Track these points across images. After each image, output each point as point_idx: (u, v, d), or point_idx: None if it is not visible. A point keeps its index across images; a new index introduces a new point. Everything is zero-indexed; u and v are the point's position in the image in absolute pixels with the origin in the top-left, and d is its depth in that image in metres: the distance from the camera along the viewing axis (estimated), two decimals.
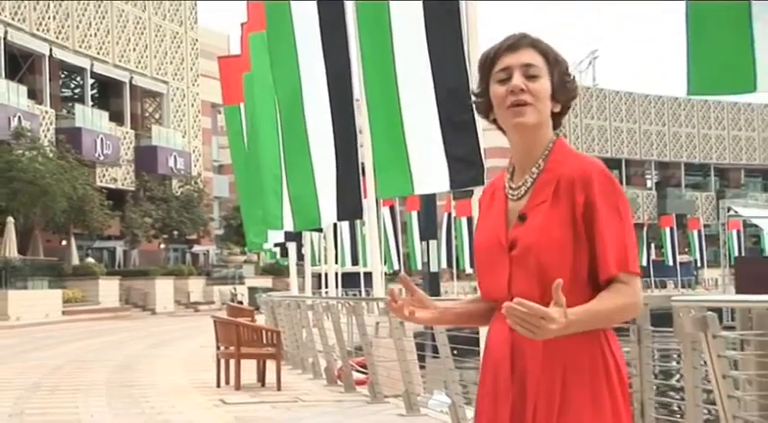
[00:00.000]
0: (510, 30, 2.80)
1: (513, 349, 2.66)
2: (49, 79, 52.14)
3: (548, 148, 2.72)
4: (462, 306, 2.89)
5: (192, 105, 65.62)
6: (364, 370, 12.76)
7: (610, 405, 2.59)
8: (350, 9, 12.64)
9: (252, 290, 51.45)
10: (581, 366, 2.60)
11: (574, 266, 2.60)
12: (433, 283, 49.20)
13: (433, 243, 50.79)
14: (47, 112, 50.64)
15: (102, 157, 53.09)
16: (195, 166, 63.71)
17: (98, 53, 55.61)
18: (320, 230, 20.09)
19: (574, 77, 2.80)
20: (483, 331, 9.30)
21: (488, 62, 2.75)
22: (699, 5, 6.29)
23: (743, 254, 65.28)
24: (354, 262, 36.44)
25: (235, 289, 54.32)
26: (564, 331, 2.47)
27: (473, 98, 2.84)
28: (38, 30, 50.50)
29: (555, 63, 2.74)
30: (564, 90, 2.75)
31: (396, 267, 45.83)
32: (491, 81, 2.74)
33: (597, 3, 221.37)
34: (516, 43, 2.73)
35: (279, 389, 12.85)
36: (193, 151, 64.19)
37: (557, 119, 2.76)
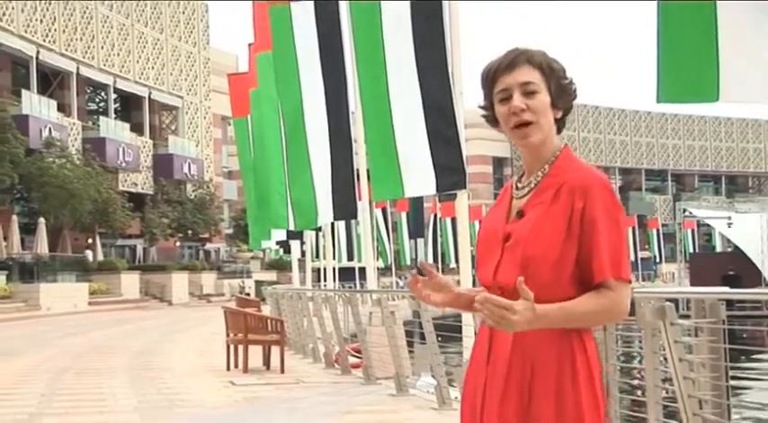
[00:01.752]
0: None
1: (490, 338, 2.59)
2: (77, 94, 52.06)
3: (554, 155, 2.61)
4: (475, 294, 2.76)
5: (205, 118, 65.52)
6: (359, 355, 12.76)
7: (572, 399, 2.48)
8: (347, 32, 12.66)
9: (258, 283, 51.33)
10: (548, 360, 2.50)
11: (558, 263, 2.49)
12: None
13: (420, 241, 50.81)
14: (74, 124, 50.53)
15: (123, 164, 53.01)
16: (207, 172, 63.62)
17: (120, 71, 55.53)
18: (319, 229, 20.11)
19: (571, 79, 2.65)
20: (465, 320, 9.31)
21: (489, 81, 2.64)
22: (669, 13, 6.06)
23: (697, 250, 65.41)
24: (350, 258, 36.39)
25: (243, 282, 54.20)
26: (533, 325, 2.39)
27: (482, 111, 2.72)
28: (66, 50, 50.39)
29: (551, 74, 2.60)
30: (563, 96, 2.63)
31: (388, 262, 45.91)
32: (494, 99, 2.63)
33: (567, 24, 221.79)
34: (512, 62, 2.59)
35: (282, 372, 12.84)
36: (205, 159, 64.09)
37: (560, 123, 2.66)
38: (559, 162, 2.61)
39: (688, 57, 5.99)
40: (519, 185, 2.66)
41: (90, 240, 49.26)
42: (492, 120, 2.68)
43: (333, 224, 19.71)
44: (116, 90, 55.94)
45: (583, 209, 2.50)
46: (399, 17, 10.23)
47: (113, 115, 55.73)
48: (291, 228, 17.46)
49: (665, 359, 5.23)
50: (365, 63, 11.30)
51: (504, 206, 2.67)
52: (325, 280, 23.32)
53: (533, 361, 2.51)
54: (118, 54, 55.41)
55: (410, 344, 12.02)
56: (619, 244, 2.50)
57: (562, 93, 2.62)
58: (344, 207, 13.85)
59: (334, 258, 25.32)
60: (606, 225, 2.49)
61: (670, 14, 6.07)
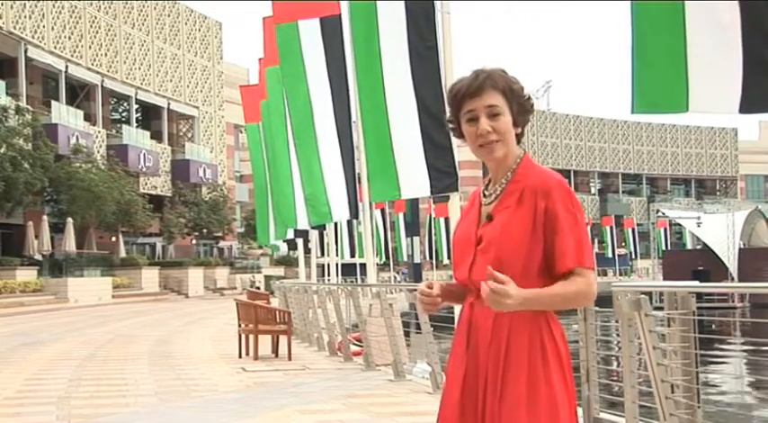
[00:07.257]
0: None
1: (469, 326, 2.66)
2: (101, 105, 52.07)
3: (516, 163, 2.65)
4: (455, 288, 2.81)
5: (218, 126, 65.48)
6: (360, 343, 12.74)
7: (543, 375, 2.53)
8: (349, 49, 12.65)
9: (267, 278, 51.37)
10: (521, 342, 2.55)
11: (526, 260, 2.54)
12: (416, 272, 49.27)
13: (416, 239, 50.85)
14: (99, 132, 50.51)
15: (144, 169, 53.01)
16: (221, 176, 63.58)
17: (141, 83, 55.52)
18: (324, 228, 20.13)
19: (529, 97, 2.69)
20: (457, 310, 9.31)
21: (456, 102, 2.66)
22: (641, 31, 6.02)
23: (669, 248, 65.50)
24: (352, 254, 36.42)
25: (253, 277, 54.17)
26: (518, 306, 2.45)
27: (448, 125, 2.77)
28: (92, 64, 50.43)
29: (512, 95, 2.62)
30: (523, 115, 2.66)
31: (387, 259, 45.94)
32: (461, 118, 2.66)
33: (551, 39, 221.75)
34: (479, 87, 2.60)
35: (289, 359, 12.83)
36: (219, 164, 64.03)
37: (519, 136, 2.69)
38: (521, 169, 2.66)
39: (659, 70, 5.96)
40: (486, 193, 2.71)
41: (114, 238, 49.27)
42: (458, 133, 2.73)
43: (336, 224, 19.72)
44: (137, 101, 55.91)
45: (545, 208, 2.55)
46: (395, 31, 10.23)
47: (135, 124, 55.67)
48: (302, 225, 17.42)
49: (641, 347, 5.22)
50: (364, 74, 11.30)
51: (474, 212, 2.73)
52: (328, 275, 23.35)
53: (507, 343, 2.56)
54: (139, 68, 55.41)
55: (407, 333, 12.02)
56: (579, 237, 2.56)
57: (522, 111, 2.67)
58: (351, 208, 13.88)
59: (337, 255, 25.34)
60: (567, 221, 2.55)
61: (642, 32, 6.04)
